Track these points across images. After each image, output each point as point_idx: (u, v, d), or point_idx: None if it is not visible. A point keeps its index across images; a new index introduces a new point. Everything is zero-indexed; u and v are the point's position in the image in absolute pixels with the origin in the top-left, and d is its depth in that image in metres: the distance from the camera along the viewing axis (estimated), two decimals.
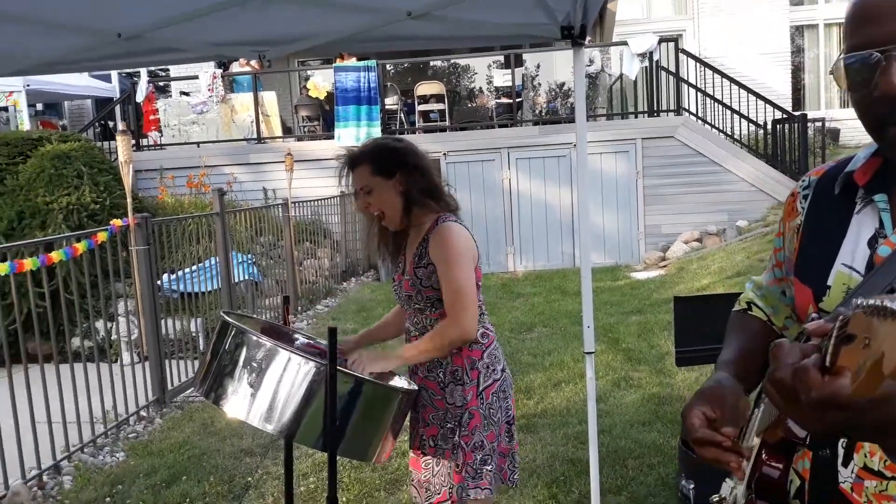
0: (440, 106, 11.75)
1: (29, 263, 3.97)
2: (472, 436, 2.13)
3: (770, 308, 1.32)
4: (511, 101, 11.42)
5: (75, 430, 4.28)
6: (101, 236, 4.65)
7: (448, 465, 2.16)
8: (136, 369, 5.02)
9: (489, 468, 2.14)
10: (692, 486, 3.07)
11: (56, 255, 4.20)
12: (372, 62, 10.54)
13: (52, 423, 4.05)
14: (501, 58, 14.39)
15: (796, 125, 10.36)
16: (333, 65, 10.88)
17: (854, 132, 14.27)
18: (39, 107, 14.75)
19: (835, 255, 1.06)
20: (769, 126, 10.89)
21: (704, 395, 1.07)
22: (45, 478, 3.94)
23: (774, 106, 10.60)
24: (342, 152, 2.22)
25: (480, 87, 16.66)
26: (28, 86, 11.37)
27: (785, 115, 10.69)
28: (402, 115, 11.97)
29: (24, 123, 11.57)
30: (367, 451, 2.01)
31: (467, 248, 2.12)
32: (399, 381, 2.26)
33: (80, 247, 4.41)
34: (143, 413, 4.96)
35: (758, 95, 10.59)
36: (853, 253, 1.04)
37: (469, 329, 2.07)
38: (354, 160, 2.17)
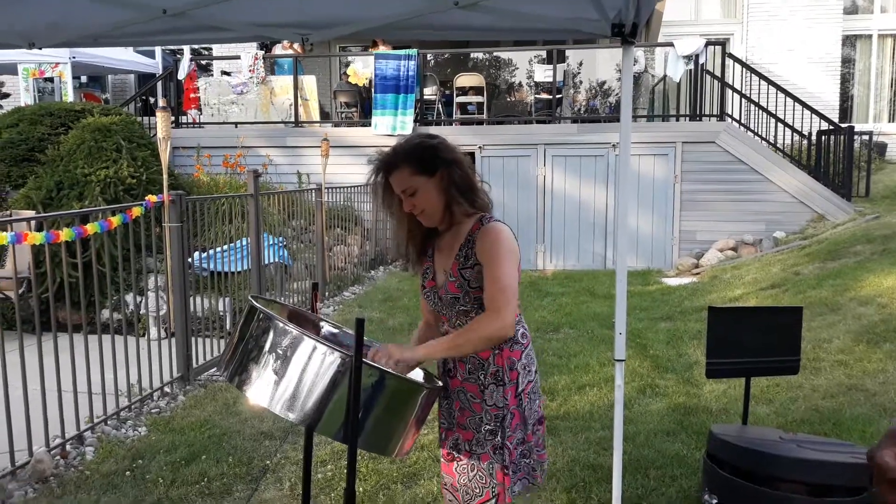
0: (479, 98, 11.67)
1: (65, 234, 4.01)
2: (516, 434, 2.14)
3: None
4: (551, 97, 11.31)
5: (100, 402, 4.33)
6: (136, 211, 4.69)
7: (486, 467, 2.13)
8: (162, 345, 5.06)
9: (528, 461, 2.18)
10: (715, 500, 3.00)
11: (91, 228, 4.23)
12: (413, 51, 10.50)
13: (77, 392, 4.09)
14: (543, 53, 14.25)
15: (842, 137, 10.12)
16: (373, 51, 10.86)
17: None
18: (84, 79, 14.96)
19: None
20: (814, 137, 10.64)
21: None
22: (68, 447, 3.98)
23: (821, 116, 10.35)
24: (374, 154, 2.18)
25: (520, 82, 16.53)
26: (73, 58, 11.53)
27: (831, 127, 10.44)
28: (440, 105, 11.91)
29: (69, 95, 11.74)
30: (388, 446, 1.98)
31: (514, 247, 2.10)
32: (421, 376, 2.22)
33: (115, 220, 4.44)
34: (166, 389, 5.00)
35: (804, 105, 10.35)
36: None
37: (509, 324, 2.01)
38: (391, 163, 2.12)
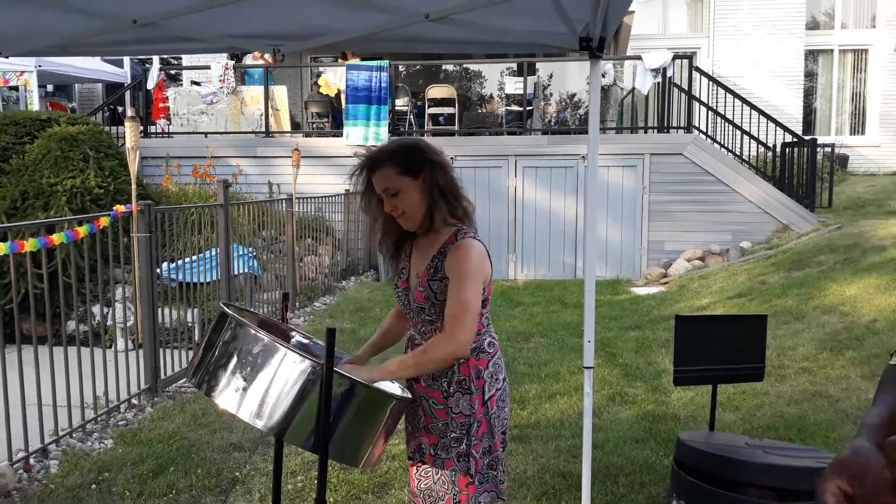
0: (450, 110, 11.74)
1: (30, 244, 3.95)
2: (482, 443, 2.13)
3: None
4: (521, 108, 11.41)
5: (65, 415, 4.25)
6: (104, 221, 4.63)
7: (448, 473, 2.13)
8: (129, 356, 4.99)
9: (495, 473, 2.18)
10: None
11: (57, 238, 4.17)
12: (384, 62, 10.53)
13: (42, 405, 4.02)
14: (514, 65, 14.38)
15: (806, 149, 10.35)
16: (346, 62, 10.87)
17: (861, 159, 14.28)
18: (50, 88, 14.76)
19: None
20: (778, 149, 10.87)
21: (842, 466, 0.94)
22: (31, 461, 3.90)
23: (785, 129, 10.58)
24: (360, 152, 2.18)
25: (491, 94, 16.65)
26: (39, 66, 11.37)
27: (795, 139, 10.67)
28: (412, 116, 11.95)
29: (34, 104, 11.57)
30: (357, 456, 1.98)
31: (481, 267, 2.09)
32: (393, 388, 2.23)
33: (82, 230, 4.39)
34: (134, 401, 4.93)
35: (769, 117, 10.57)
36: None
37: (463, 346, 2.02)
38: (376, 162, 2.12)
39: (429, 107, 11.78)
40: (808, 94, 14.88)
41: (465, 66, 16.68)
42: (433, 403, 2.17)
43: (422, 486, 2.20)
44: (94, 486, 3.70)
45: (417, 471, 2.22)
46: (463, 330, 2.01)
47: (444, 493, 2.15)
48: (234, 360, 1.88)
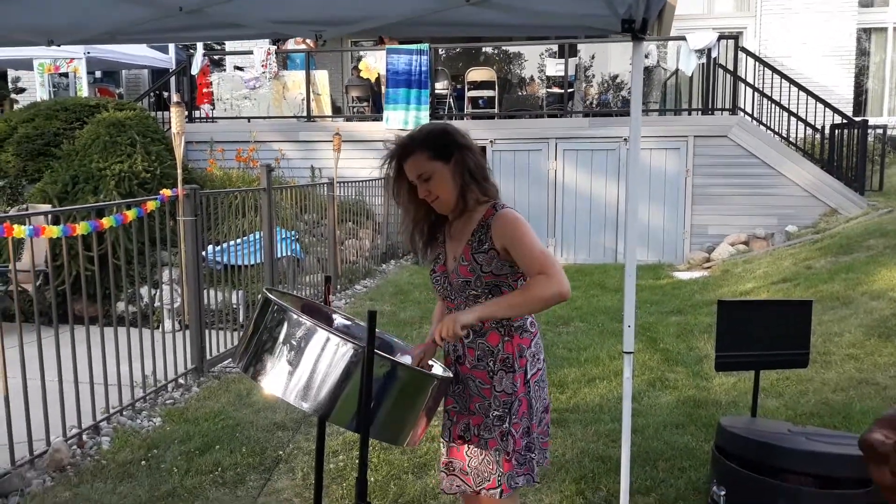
0: (490, 93, 11.68)
1: (81, 228, 4.07)
2: (521, 422, 2.17)
3: None
4: (562, 91, 11.30)
5: (115, 393, 4.39)
6: (151, 205, 4.75)
7: (493, 453, 2.16)
8: (176, 337, 5.13)
9: (533, 455, 2.20)
10: (723, 492, 3.02)
11: (107, 221, 4.29)
12: (424, 45, 10.51)
13: (94, 384, 4.16)
14: (555, 47, 14.24)
15: (856, 131, 10.06)
16: (386, 46, 10.88)
17: None
18: (98, 74, 15.06)
19: None
20: (827, 131, 10.59)
21: (886, 421, 0.96)
22: (84, 437, 4.05)
23: (834, 110, 10.29)
24: (390, 138, 2.22)
25: (532, 76, 16.51)
26: (88, 53, 11.62)
27: (845, 121, 10.38)
28: (452, 100, 11.93)
29: (83, 90, 11.84)
30: (399, 436, 2.02)
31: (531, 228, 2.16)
32: (435, 369, 2.26)
33: (130, 214, 4.50)
34: (181, 380, 5.07)
35: (818, 98, 10.29)
36: None
37: (565, 285, 2.03)
38: (407, 148, 2.16)
39: (468, 90, 11.74)
40: (860, 74, 14.42)
41: (504, 48, 16.55)
42: (480, 384, 2.20)
43: (471, 465, 2.23)
44: (143, 462, 3.82)
45: (466, 450, 2.25)
46: (557, 271, 2.04)
47: (490, 473, 2.19)
48: (279, 344, 1.93)
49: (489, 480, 2.19)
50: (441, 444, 2.34)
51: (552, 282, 2.02)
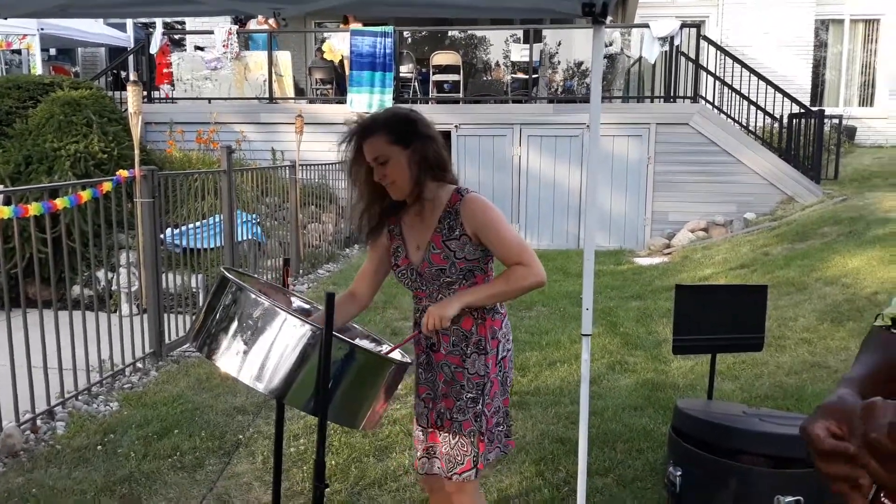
0: (455, 77, 11.64)
1: (33, 208, 3.97)
2: (493, 402, 2.21)
3: None
4: (527, 76, 11.31)
5: (71, 378, 4.31)
6: (107, 186, 4.64)
7: (467, 433, 2.18)
8: (134, 321, 5.03)
9: (500, 429, 2.27)
10: (679, 473, 3.08)
11: (61, 202, 4.18)
12: (389, 28, 10.42)
13: (48, 368, 4.07)
14: (520, 32, 14.23)
15: (813, 121, 10.26)
16: (350, 28, 10.76)
17: (869, 131, 14.17)
18: (53, 52, 14.66)
19: None
20: (785, 120, 10.78)
21: (828, 410, 0.95)
22: (38, 422, 3.96)
23: (792, 100, 10.48)
24: (353, 118, 2.19)
25: (497, 61, 16.48)
26: (42, 30, 11.30)
27: (803, 110, 10.58)
28: (416, 83, 11.87)
29: (37, 68, 11.52)
30: (356, 418, 2.01)
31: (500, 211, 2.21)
32: (393, 353, 2.25)
33: (85, 195, 4.40)
34: (138, 365, 4.99)
35: (776, 88, 10.46)
36: None
37: (544, 275, 2.14)
38: (368, 129, 2.14)
39: (433, 74, 11.68)
40: (818, 65, 14.69)
41: (470, 32, 16.50)
42: (455, 368, 2.22)
43: (443, 450, 2.24)
44: (99, 447, 3.76)
45: (440, 435, 2.25)
46: (535, 260, 2.13)
47: (464, 455, 2.19)
48: (235, 323, 1.90)
49: (463, 464, 2.19)
50: (419, 431, 2.34)
51: (531, 271, 2.12)
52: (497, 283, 2.15)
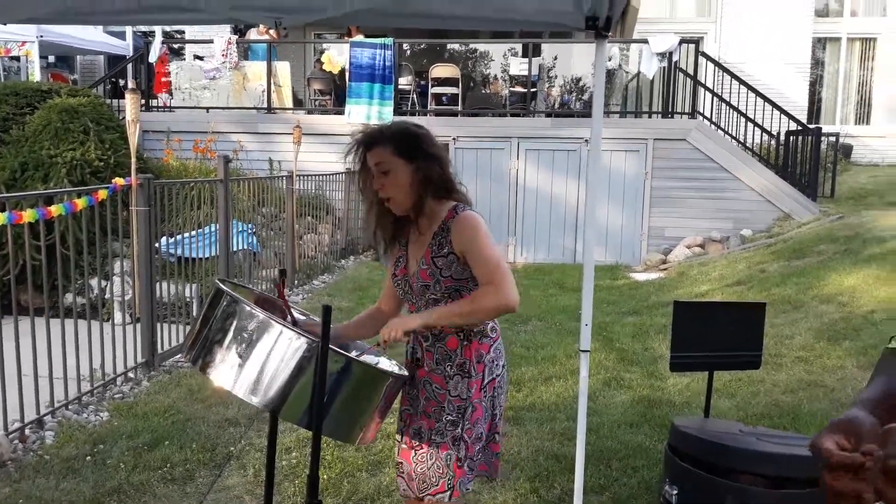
0: (453, 90, 11.66)
1: (28, 215, 3.93)
2: (474, 428, 2.13)
3: None
4: (525, 90, 11.33)
5: (61, 387, 4.26)
6: (102, 194, 4.61)
7: (444, 457, 2.13)
8: (127, 330, 4.99)
9: (480, 458, 2.19)
10: (675, 491, 3.05)
11: (56, 209, 4.16)
12: (389, 40, 10.44)
13: (38, 377, 4.03)
14: (519, 46, 14.27)
15: (810, 138, 10.29)
16: (349, 39, 10.78)
17: (866, 150, 14.21)
18: (51, 59, 14.65)
19: None
20: (783, 137, 10.81)
21: (839, 426, 0.96)
22: (27, 431, 3.92)
23: (790, 117, 10.52)
24: (359, 129, 2.18)
25: (496, 74, 16.52)
26: (41, 37, 11.28)
27: (800, 127, 10.61)
28: (415, 95, 11.88)
29: (35, 74, 11.49)
30: (351, 433, 1.98)
31: (490, 233, 2.13)
32: (390, 366, 2.22)
33: (81, 203, 4.37)
34: (130, 374, 4.94)
35: (774, 105, 10.50)
36: None
37: (511, 297, 2.01)
38: (374, 138, 2.12)
39: (432, 86, 11.70)
40: (815, 83, 14.76)
41: (469, 45, 16.55)
42: (436, 388, 2.17)
43: (417, 470, 2.19)
44: (88, 457, 3.71)
45: (415, 454, 2.20)
46: (506, 281, 2.02)
47: (439, 477, 2.14)
48: (230, 336, 1.87)
49: (437, 485, 2.14)
50: (395, 444, 2.31)
51: (499, 294, 2.01)
52: (462, 302, 2.07)
